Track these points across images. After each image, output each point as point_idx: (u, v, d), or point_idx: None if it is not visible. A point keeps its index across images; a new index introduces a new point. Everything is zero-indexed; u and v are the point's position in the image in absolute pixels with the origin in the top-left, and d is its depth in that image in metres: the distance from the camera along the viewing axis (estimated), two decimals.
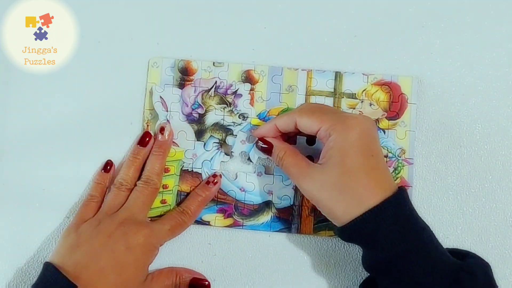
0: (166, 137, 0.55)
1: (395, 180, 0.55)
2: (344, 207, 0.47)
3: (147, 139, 0.55)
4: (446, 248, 0.50)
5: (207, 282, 0.54)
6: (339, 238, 0.51)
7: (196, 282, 0.54)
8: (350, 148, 0.47)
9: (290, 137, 0.55)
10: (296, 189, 0.56)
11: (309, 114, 0.50)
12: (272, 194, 0.56)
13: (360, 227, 0.46)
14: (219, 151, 0.56)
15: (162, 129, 0.55)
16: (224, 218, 0.56)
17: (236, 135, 0.56)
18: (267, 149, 0.53)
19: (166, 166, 0.55)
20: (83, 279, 0.48)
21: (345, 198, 0.47)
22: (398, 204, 0.47)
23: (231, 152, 0.56)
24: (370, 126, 0.49)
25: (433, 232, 0.48)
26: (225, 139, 0.56)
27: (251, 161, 0.56)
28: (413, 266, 0.45)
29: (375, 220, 0.46)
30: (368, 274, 0.50)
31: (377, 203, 0.46)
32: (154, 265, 0.55)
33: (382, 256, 0.46)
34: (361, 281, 0.54)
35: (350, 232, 0.47)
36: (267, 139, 0.53)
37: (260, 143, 0.53)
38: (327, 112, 0.50)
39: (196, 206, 0.54)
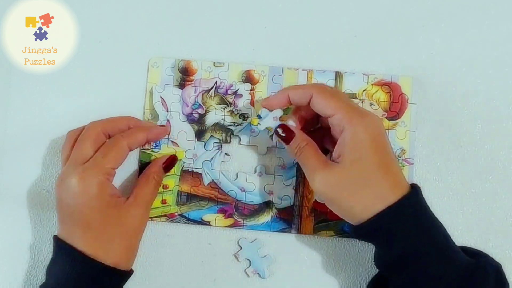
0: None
1: None
2: (364, 203, 0.47)
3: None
4: (460, 246, 0.50)
5: (172, 157, 0.55)
6: (338, 238, 0.50)
7: (167, 163, 0.54)
8: (366, 145, 0.47)
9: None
10: (296, 190, 0.56)
11: (327, 95, 0.49)
12: (272, 194, 0.56)
13: (380, 224, 0.46)
14: (220, 151, 0.56)
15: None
16: (225, 218, 0.56)
17: (237, 135, 0.56)
18: (287, 138, 0.50)
19: None
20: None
21: (367, 194, 0.47)
22: (416, 201, 0.47)
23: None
24: (381, 124, 0.49)
25: None
26: (225, 140, 0.56)
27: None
28: (429, 264, 0.45)
29: (395, 217, 0.46)
30: (376, 272, 0.50)
31: (396, 199, 0.46)
32: (153, 264, 0.55)
33: (398, 253, 0.46)
34: (361, 281, 0.54)
35: (369, 228, 0.47)
36: (290, 127, 0.51)
37: (281, 130, 0.51)
38: (343, 100, 0.49)
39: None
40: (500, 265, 0.48)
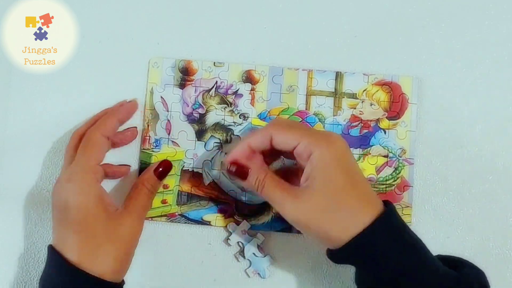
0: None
1: (395, 180, 0.56)
2: (341, 226, 0.45)
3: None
4: (439, 255, 0.49)
5: (165, 162, 0.54)
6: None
7: (159, 168, 0.53)
8: (335, 166, 0.46)
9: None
10: None
11: (286, 129, 0.48)
12: None
13: (360, 245, 0.45)
14: (220, 151, 0.56)
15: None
16: (225, 218, 0.56)
17: (237, 135, 0.56)
18: (242, 173, 0.49)
19: None
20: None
21: (341, 217, 0.45)
22: (393, 219, 0.46)
23: (228, 240, 0.55)
24: (346, 144, 0.48)
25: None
26: (225, 139, 0.56)
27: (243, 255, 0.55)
28: (413, 282, 0.45)
29: (374, 237, 0.45)
30: None
31: (371, 219, 0.45)
32: (153, 264, 0.55)
33: (382, 274, 0.45)
34: None
35: (349, 251, 0.46)
36: (242, 162, 0.49)
37: (233, 167, 0.49)
38: (303, 127, 0.49)
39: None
40: (483, 273, 0.47)
